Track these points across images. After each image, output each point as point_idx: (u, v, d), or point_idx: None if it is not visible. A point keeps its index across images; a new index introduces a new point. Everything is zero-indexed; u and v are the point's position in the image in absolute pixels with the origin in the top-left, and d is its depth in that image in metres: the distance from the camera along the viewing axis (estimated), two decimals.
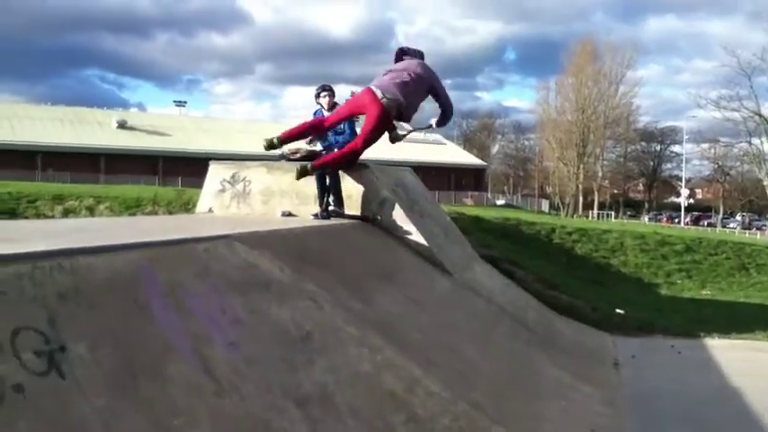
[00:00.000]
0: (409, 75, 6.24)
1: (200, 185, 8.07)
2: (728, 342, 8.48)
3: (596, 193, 71.16)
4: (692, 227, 57.88)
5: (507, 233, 17.93)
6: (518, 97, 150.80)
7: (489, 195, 60.52)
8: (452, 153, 62.59)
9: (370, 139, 6.32)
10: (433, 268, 6.92)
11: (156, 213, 12.38)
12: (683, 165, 69.05)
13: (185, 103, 76.89)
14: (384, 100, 6.09)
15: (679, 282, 18.24)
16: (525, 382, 5.39)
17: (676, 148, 74.74)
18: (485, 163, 66.04)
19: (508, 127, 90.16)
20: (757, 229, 53.54)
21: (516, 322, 7.14)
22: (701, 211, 76.99)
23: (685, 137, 66.27)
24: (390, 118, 6.27)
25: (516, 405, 4.63)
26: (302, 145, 7.59)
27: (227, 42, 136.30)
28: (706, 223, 66.39)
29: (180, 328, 2.83)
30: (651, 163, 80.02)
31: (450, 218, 9.24)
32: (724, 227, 62.05)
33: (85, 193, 14.24)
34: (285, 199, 7.45)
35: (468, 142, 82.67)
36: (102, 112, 49.53)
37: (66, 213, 12.05)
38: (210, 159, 8.19)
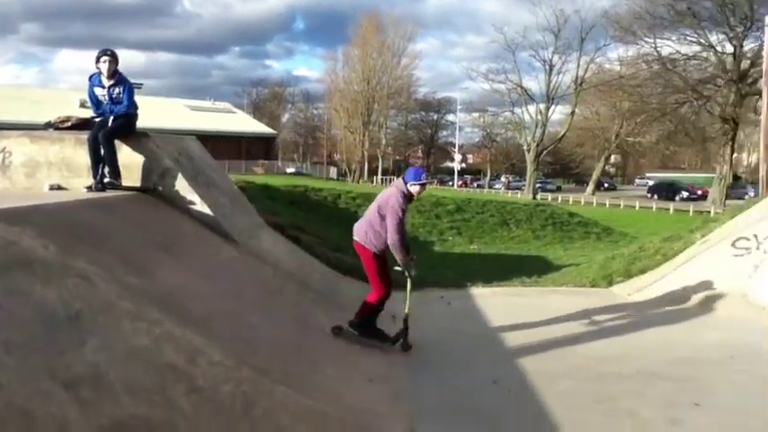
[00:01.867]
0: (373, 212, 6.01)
1: None
2: (491, 290, 9.44)
3: (380, 159, 74.40)
4: (465, 189, 63.13)
5: (295, 200, 18.19)
6: (307, 66, 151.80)
7: (279, 164, 60.45)
8: (242, 122, 61.38)
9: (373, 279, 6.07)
10: (218, 238, 6.85)
11: None
12: (457, 132, 75.00)
13: None
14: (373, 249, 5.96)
15: (450, 239, 19.94)
16: (309, 343, 5.62)
17: (451, 117, 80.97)
18: (275, 131, 65.66)
19: (298, 96, 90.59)
20: (517, 189, 59.82)
21: (302, 286, 7.34)
22: (472, 174, 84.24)
23: (459, 107, 71.79)
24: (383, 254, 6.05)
25: (299, 365, 4.82)
26: (73, 113, 7.02)
27: None
28: (476, 185, 72.79)
29: None
30: (429, 131, 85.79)
31: (238, 187, 9.13)
32: (491, 188, 68.54)
33: None
34: (53, 171, 6.86)
35: (257, 111, 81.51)
36: None
37: None
38: None
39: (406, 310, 6.09)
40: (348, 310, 6.36)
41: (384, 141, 75.12)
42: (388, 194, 5.94)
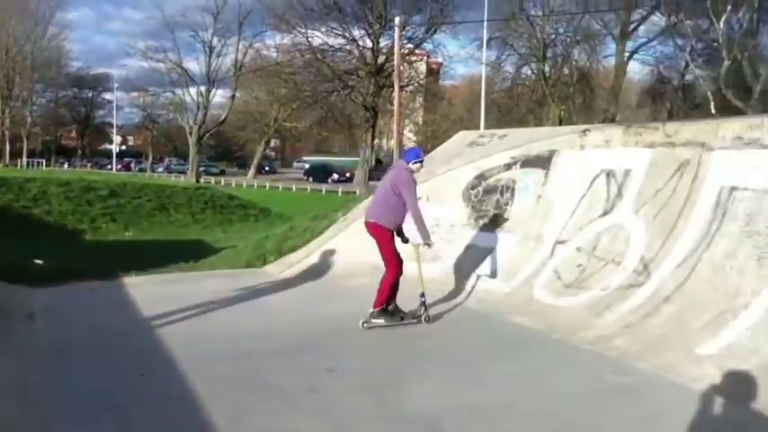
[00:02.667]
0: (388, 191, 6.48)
1: None
2: (145, 278, 9.03)
3: (26, 140, 65.72)
4: (126, 172, 59.40)
5: None
6: None
7: None
8: None
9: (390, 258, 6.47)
10: None
11: None
12: (115, 112, 69.84)
13: None
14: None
15: (104, 226, 18.57)
16: None
17: (108, 96, 74.84)
18: None
19: None
20: (181, 172, 58.45)
21: None
22: (133, 156, 79.51)
23: (116, 84, 66.82)
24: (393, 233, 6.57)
25: None
26: None
27: None
28: (138, 168, 69.08)
29: None
30: (84, 109, 78.02)
31: None
32: (153, 171, 65.68)
33: None
34: None
35: None
36: None
37: None
38: None
39: (422, 288, 6.57)
40: None
41: (30, 119, 66.25)
42: (397, 173, 6.53)
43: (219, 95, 60.03)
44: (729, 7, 27.78)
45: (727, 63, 28.29)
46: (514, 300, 7.32)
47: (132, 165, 71.87)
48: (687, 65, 34.04)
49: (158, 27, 52.84)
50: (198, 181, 46.08)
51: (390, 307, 6.56)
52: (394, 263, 6.49)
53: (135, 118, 77.55)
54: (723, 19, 28.04)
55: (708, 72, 32.00)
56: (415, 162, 6.61)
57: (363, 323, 6.43)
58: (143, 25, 78.19)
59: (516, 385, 4.94)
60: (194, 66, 60.08)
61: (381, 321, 6.49)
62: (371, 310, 6.48)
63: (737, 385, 4.62)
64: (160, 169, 67.93)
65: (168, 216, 21.39)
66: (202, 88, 53.83)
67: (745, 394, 4.46)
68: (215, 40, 53.03)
